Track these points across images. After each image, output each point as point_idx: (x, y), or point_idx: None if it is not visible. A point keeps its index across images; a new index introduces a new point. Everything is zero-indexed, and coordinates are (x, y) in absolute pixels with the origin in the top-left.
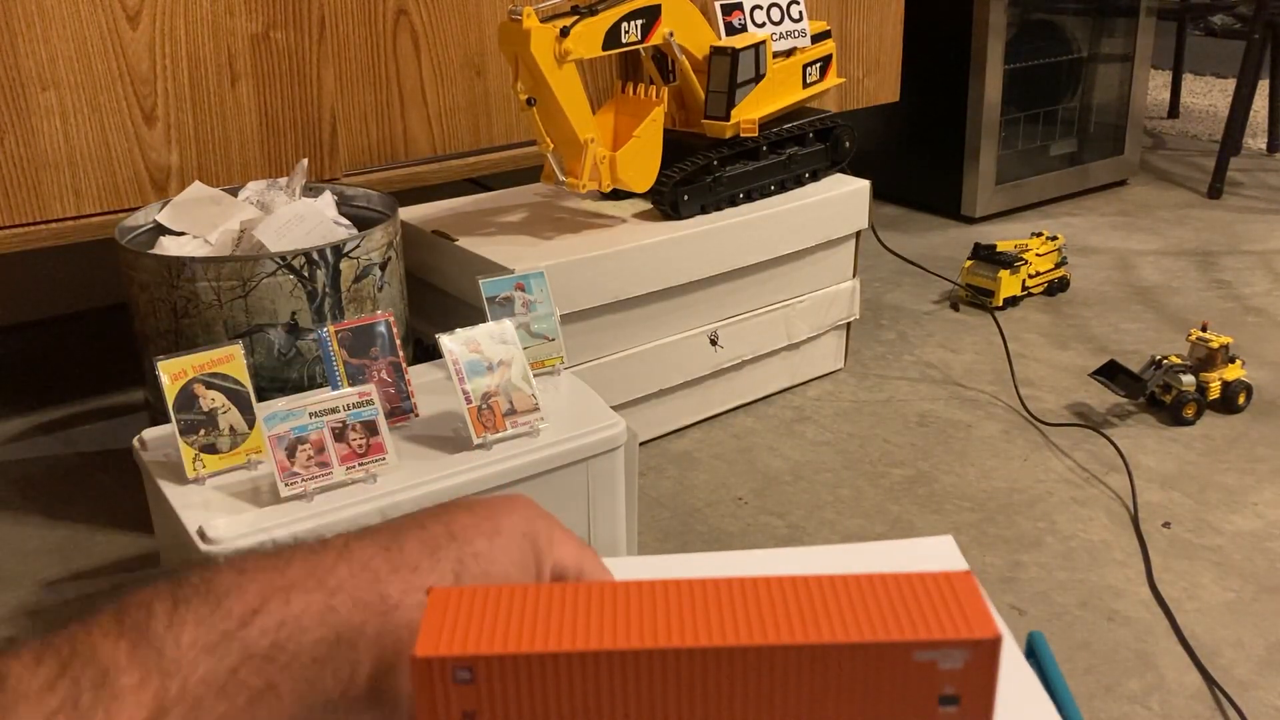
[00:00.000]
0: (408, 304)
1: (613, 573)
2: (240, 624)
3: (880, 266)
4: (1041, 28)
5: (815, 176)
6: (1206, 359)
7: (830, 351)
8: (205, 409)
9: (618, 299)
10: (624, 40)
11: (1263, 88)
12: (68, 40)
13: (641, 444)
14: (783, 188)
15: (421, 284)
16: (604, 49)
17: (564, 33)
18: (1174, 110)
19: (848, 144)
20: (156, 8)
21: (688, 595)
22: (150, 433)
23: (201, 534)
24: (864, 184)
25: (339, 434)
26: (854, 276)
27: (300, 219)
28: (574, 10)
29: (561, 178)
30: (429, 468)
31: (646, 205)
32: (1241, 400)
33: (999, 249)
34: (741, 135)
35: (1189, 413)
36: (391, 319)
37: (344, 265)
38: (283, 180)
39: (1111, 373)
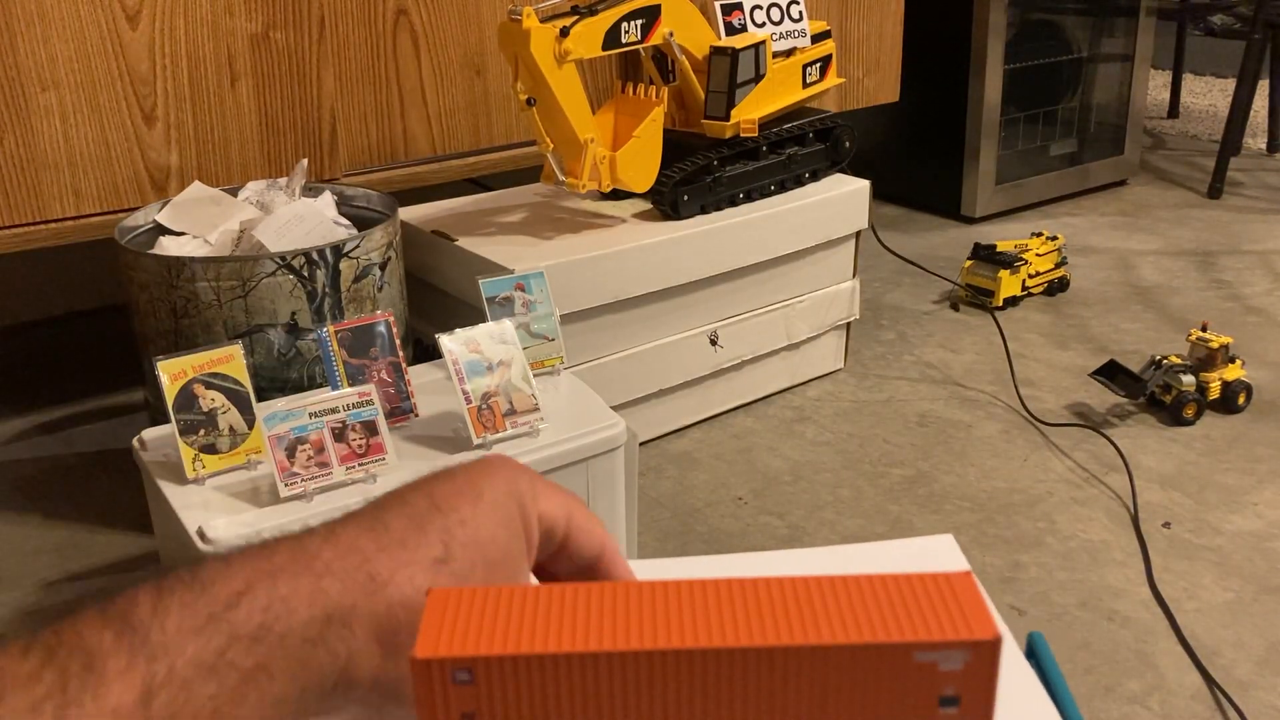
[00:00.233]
0: (408, 304)
1: None
2: (226, 606)
3: (880, 266)
4: (1041, 28)
5: (815, 176)
6: (1206, 359)
7: (830, 351)
8: (205, 409)
9: (618, 299)
10: (624, 40)
11: (1263, 88)
12: (68, 40)
13: (641, 444)
14: (783, 188)
15: (421, 284)
16: (604, 49)
17: (564, 33)
18: (1174, 110)
19: (848, 144)
20: (156, 8)
21: (688, 596)
22: (150, 433)
23: (201, 534)
24: (864, 184)
25: (339, 434)
26: (854, 276)
27: (300, 219)
28: (574, 10)
29: (561, 178)
30: (429, 468)
31: (646, 205)
32: (1241, 400)
33: (999, 249)
34: (741, 135)
35: (1189, 413)
36: (391, 319)
37: (344, 265)
38: (282, 180)
39: (1111, 373)
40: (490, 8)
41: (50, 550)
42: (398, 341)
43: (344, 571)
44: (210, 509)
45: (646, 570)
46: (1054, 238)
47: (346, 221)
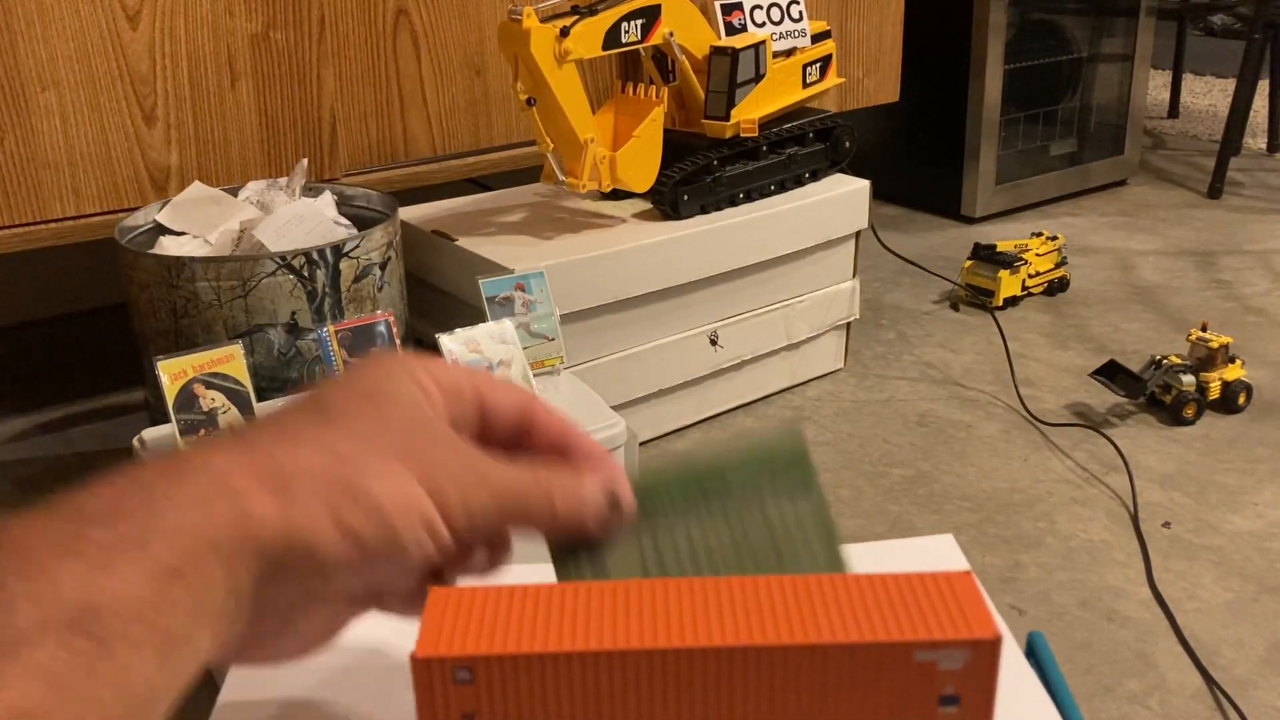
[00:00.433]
0: (408, 304)
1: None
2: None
3: (880, 266)
4: (1041, 28)
5: (815, 176)
6: (1206, 359)
7: (830, 351)
8: (205, 409)
9: (618, 299)
10: (624, 40)
11: (1263, 88)
12: (68, 40)
13: (641, 444)
14: (783, 188)
15: (421, 284)
16: (604, 49)
17: (564, 33)
18: (1174, 110)
19: (848, 144)
20: (156, 8)
21: (688, 595)
22: (150, 433)
23: None
24: (864, 184)
25: None
26: (854, 276)
27: (300, 219)
28: (574, 10)
29: (561, 178)
30: None
31: (646, 205)
32: (1241, 400)
33: (999, 249)
34: (741, 135)
35: (1189, 413)
36: (391, 319)
37: (344, 265)
38: (283, 180)
39: (1111, 373)
40: (490, 8)
41: None
42: (398, 341)
43: (227, 465)
44: None
45: None
46: (1054, 238)
47: (346, 221)
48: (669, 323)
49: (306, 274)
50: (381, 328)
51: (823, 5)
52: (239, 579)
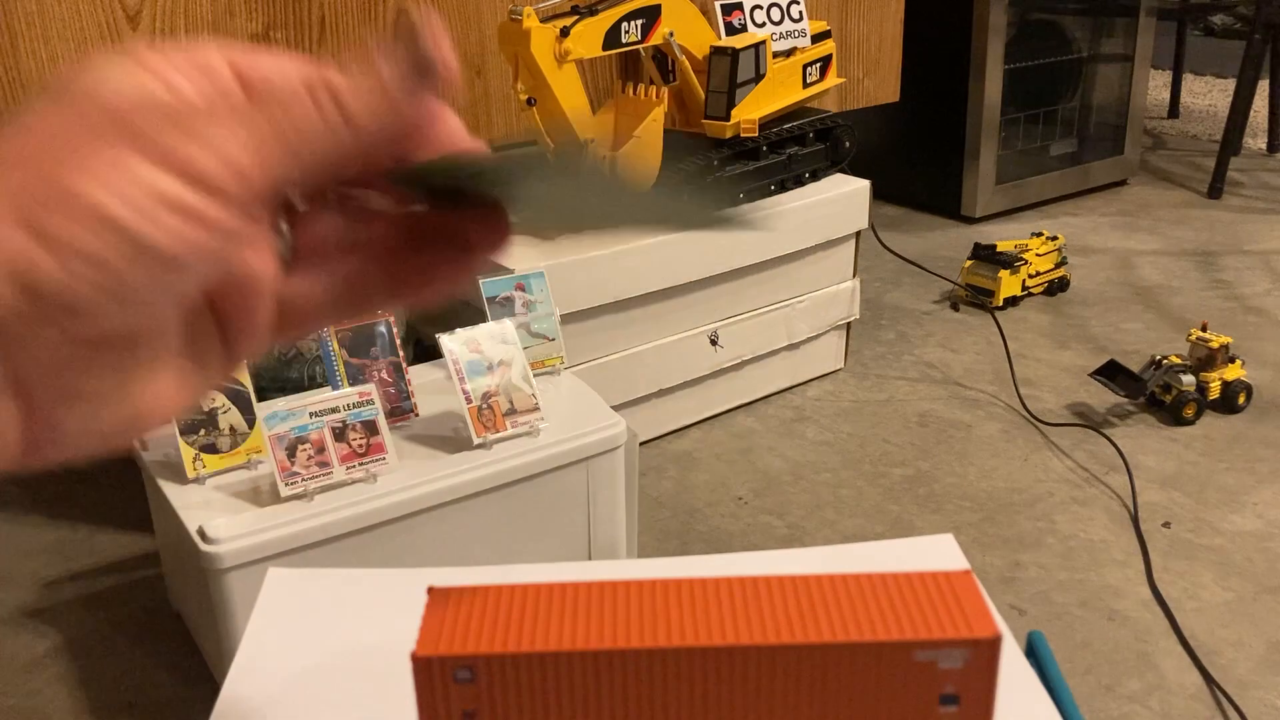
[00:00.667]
0: None
1: (614, 575)
2: None
3: (880, 266)
4: (1041, 28)
5: (815, 176)
6: (1206, 359)
7: (830, 351)
8: (205, 409)
9: (618, 299)
10: (624, 40)
11: (1263, 88)
12: (68, 40)
13: (641, 444)
14: (783, 188)
15: None
16: (604, 49)
17: (564, 33)
18: (1174, 110)
19: (848, 144)
20: (156, 8)
21: (688, 595)
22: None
23: (202, 534)
24: (864, 184)
25: (339, 434)
26: (854, 276)
27: None
28: (574, 10)
29: None
30: (429, 468)
31: None
32: (1241, 400)
33: (999, 249)
34: (741, 135)
35: (1189, 413)
36: (391, 319)
37: None
38: None
39: (1111, 373)
40: (490, 8)
41: (50, 550)
42: (398, 341)
43: None
44: (211, 508)
45: (646, 570)
46: (1054, 238)
47: None
48: (669, 323)
49: None
50: (382, 328)
51: (823, 5)
52: None
